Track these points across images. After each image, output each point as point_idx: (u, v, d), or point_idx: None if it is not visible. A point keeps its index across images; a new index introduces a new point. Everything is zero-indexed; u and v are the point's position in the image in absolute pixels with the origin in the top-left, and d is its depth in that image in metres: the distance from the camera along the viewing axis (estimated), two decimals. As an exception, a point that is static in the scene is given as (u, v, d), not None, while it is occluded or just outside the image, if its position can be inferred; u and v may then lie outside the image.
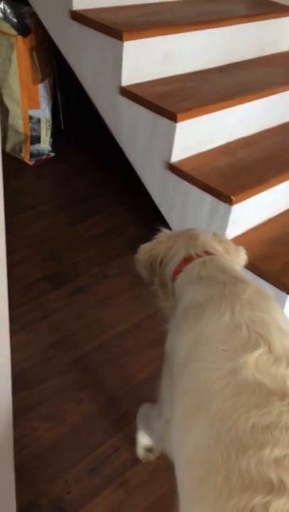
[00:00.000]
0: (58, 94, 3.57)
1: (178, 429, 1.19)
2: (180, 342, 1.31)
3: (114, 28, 2.52)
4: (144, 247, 1.65)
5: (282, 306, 2.38)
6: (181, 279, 1.51)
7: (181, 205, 2.64)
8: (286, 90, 3.01)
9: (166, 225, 2.70)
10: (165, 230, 1.68)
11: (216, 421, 1.06)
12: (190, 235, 1.61)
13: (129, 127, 2.70)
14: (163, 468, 1.85)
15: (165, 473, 1.82)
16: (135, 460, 1.86)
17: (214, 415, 1.07)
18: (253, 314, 1.25)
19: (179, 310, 1.41)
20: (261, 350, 1.14)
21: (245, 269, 2.44)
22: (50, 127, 3.36)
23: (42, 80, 3.20)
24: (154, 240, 1.65)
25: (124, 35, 2.49)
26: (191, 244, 1.58)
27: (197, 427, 1.10)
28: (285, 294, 2.36)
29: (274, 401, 1.05)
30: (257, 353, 1.14)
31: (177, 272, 1.53)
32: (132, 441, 1.90)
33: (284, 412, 1.02)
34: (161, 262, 1.60)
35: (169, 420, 1.32)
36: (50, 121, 3.35)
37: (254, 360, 1.12)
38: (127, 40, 2.51)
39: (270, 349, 1.15)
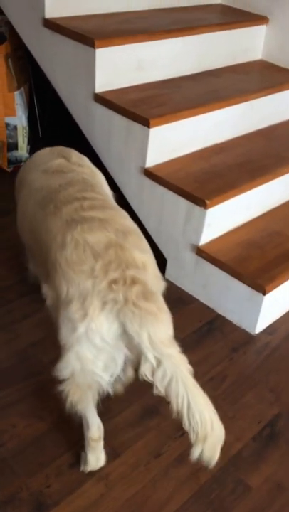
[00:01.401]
0: (35, 101, 3.69)
1: (24, 220, 2.08)
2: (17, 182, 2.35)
3: (86, 36, 2.65)
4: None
5: (259, 306, 2.52)
6: None
7: (157, 209, 2.76)
8: (258, 98, 3.15)
9: (144, 228, 2.82)
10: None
11: (42, 191, 1.96)
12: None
13: (104, 133, 2.83)
14: (143, 462, 1.96)
15: (145, 467, 1.93)
16: (115, 455, 1.96)
17: (40, 190, 1.98)
18: (63, 149, 2.28)
19: None
20: (62, 159, 2.17)
21: (222, 271, 2.58)
22: (26, 134, 3.48)
23: (17, 88, 3.32)
24: None
25: (97, 43, 2.62)
26: None
27: (31, 204, 1.99)
28: (261, 294, 2.48)
29: (68, 173, 2.05)
30: (59, 160, 2.16)
31: None
32: (112, 436, 2.01)
33: (75, 175, 2.03)
34: None
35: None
36: (27, 128, 3.47)
37: (58, 163, 2.14)
38: (99, 47, 2.64)
39: (69, 160, 2.17)
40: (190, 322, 2.61)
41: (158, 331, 1.47)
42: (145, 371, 1.49)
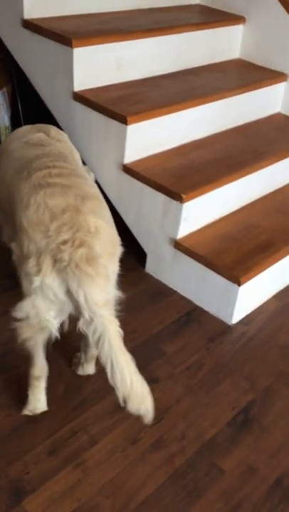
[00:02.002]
0: (18, 102, 3.69)
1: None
2: None
3: (64, 36, 2.66)
4: None
5: (235, 297, 2.54)
6: None
7: (136, 204, 2.78)
8: (236, 95, 3.18)
9: (123, 223, 2.85)
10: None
11: (21, 160, 2.07)
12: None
13: (84, 131, 2.84)
14: (120, 448, 1.98)
15: (122, 453, 1.96)
16: (93, 442, 1.98)
17: (19, 159, 2.10)
18: (42, 125, 2.43)
19: None
20: (42, 134, 2.31)
21: (199, 264, 2.60)
22: (9, 134, 3.48)
23: (-1, 88, 3.34)
24: None
25: (74, 42, 2.63)
26: None
27: (10, 172, 2.08)
28: (236, 286, 2.50)
29: (47, 146, 2.19)
30: (39, 134, 2.30)
31: None
32: (90, 426, 2.03)
33: (53, 148, 2.18)
34: None
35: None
36: (10, 128, 3.48)
37: (38, 136, 2.29)
38: (76, 47, 2.65)
39: (48, 135, 2.31)
40: (169, 313, 2.63)
41: (93, 293, 1.62)
42: (81, 325, 1.66)
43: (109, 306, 1.67)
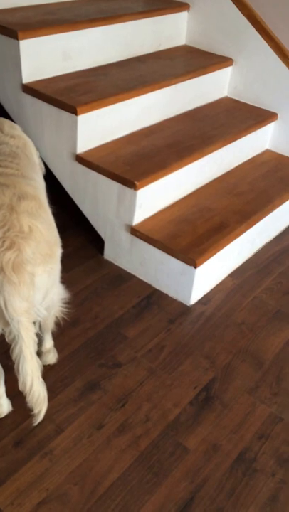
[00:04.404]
0: None
1: None
2: None
3: (9, 28, 2.56)
4: None
5: (192, 279, 2.51)
6: None
7: (91, 193, 2.71)
8: (184, 81, 3.11)
9: (79, 211, 2.78)
10: None
11: None
12: None
13: (36, 123, 2.76)
14: (86, 434, 1.93)
15: (88, 439, 1.91)
16: (59, 430, 1.93)
17: None
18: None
19: None
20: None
21: (156, 248, 2.56)
22: None
23: None
24: None
25: (20, 35, 2.53)
26: None
27: None
28: (192, 268, 2.47)
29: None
30: None
31: None
32: (55, 414, 1.97)
33: (4, 147, 2.07)
34: None
35: None
36: None
37: None
38: (22, 39, 2.55)
39: (2, 131, 2.17)
40: (129, 298, 2.59)
41: (13, 300, 1.54)
42: (1, 324, 1.62)
43: (29, 313, 1.59)
